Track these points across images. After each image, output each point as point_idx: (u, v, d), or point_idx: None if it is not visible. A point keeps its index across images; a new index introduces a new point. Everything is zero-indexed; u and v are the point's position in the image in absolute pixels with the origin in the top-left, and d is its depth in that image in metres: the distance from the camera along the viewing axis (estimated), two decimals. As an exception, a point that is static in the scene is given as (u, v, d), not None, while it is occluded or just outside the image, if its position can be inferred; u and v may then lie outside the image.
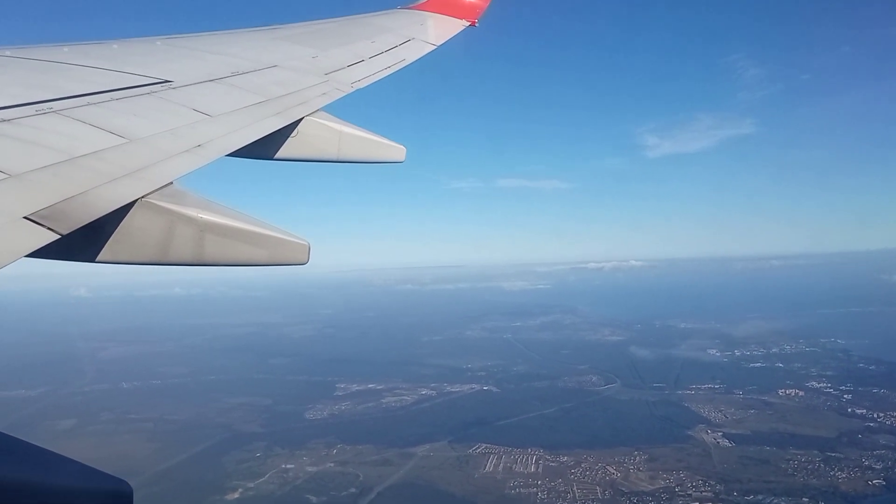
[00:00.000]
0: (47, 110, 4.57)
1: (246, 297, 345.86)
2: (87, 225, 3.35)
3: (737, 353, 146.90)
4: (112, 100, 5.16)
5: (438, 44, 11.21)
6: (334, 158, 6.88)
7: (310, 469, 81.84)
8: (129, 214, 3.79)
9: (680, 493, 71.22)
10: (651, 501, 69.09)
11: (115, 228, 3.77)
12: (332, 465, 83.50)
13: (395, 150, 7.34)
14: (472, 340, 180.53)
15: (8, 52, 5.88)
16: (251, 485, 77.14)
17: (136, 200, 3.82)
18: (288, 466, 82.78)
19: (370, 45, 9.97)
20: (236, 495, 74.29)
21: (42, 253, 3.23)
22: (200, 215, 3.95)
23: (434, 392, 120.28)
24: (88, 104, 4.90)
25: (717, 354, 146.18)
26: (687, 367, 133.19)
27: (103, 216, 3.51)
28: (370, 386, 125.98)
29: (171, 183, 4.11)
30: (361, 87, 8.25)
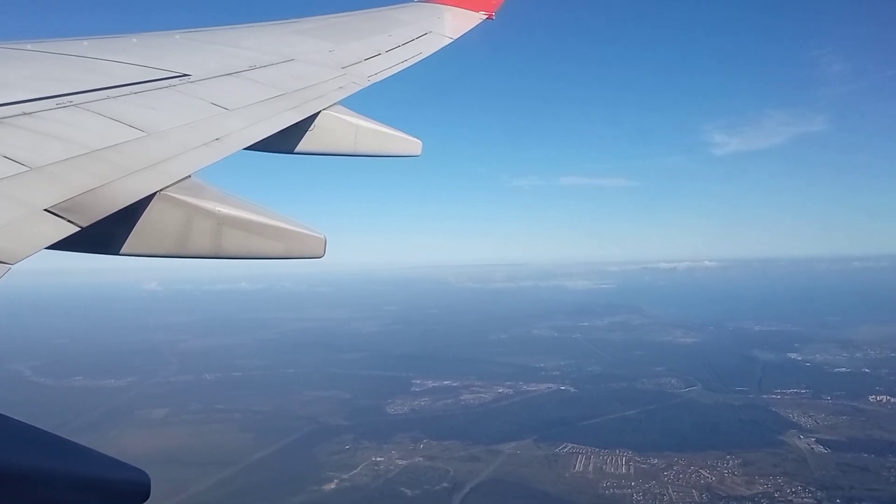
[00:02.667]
0: (67, 104, 4.64)
1: (311, 292, 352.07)
2: (106, 217, 3.42)
3: (818, 357, 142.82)
4: (131, 93, 5.24)
5: (455, 37, 11.14)
6: (351, 152, 6.92)
7: (400, 462, 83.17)
8: (147, 207, 3.85)
9: (780, 498, 69.85)
10: (751, 506, 67.99)
11: (134, 221, 3.84)
12: (420, 459, 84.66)
13: (411, 144, 7.35)
14: (540, 339, 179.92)
15: (29, 47, 5.99)
16: (345, 476, 78.83)
17: (155, 193, 3.88)
18: (378, 459, 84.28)
19: (387, 38, 9.95)
20: (333, 486, 76.05)
21: (62, 245, 3.32)
22: (218, 208, 4.01)
23: (511, 391, 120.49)
24: (108, 98, 4.97)
25: (799, 358, 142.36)
26: (768, 370, 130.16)
27: (122, 209, 3.57)
28: (445, 383, 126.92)
29: (190, 176, 4.16)
30: (378, 80, 8.27)
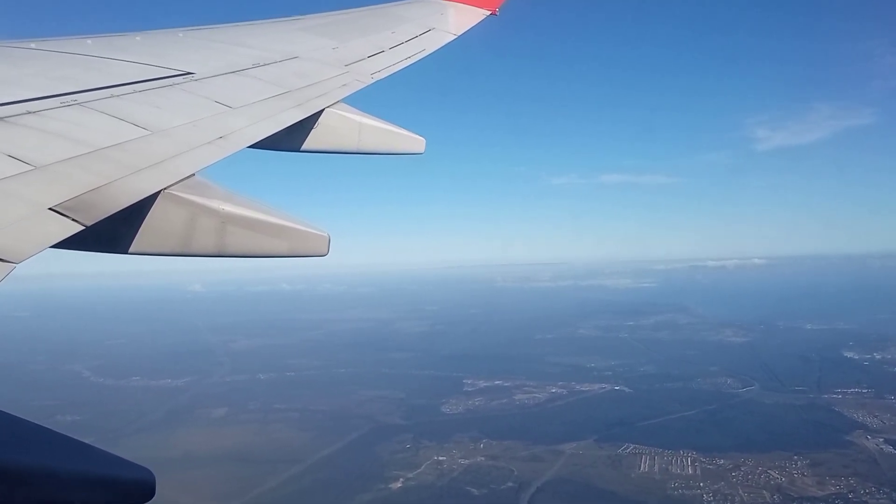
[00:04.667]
0: (72, 102, 4.64)
1: (351, 293, 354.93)
2: (111, 216, 3.42)
3: (876, 355, 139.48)
4: (135, 92, 5.23)
5: (459, 33, 11.01)
6: (354, 150, 6.88)
7: (462, 462, 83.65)
8: (152, 206, 3.85)
9: (854, 499, 68.80)
10: (827, 508, 67.03)
11: (139, 220, 3.84)
12: (482, 458, 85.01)
13: (414, 142, 7.30)
14: (587, 339, 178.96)
15: (33, 45, 6.00)
16: (410, 475, 79.57)
17: (159, 192, 3.88)
18: (440, 458, 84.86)
19: (390, 35, 9.87)
20: (399, 485, 76.82)
21: (67, 244, 3.33)
22: (222, 207, 4.02)
23: (564, 391, 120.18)
24: (112, 96, 4.97)
25: (856, 357, 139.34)
26: (826, 369, 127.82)
27: (127, 207, 3.57)
28: (497, 382, 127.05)
29: (194, 174, 4.17)
30: (381, 77, 8.20)
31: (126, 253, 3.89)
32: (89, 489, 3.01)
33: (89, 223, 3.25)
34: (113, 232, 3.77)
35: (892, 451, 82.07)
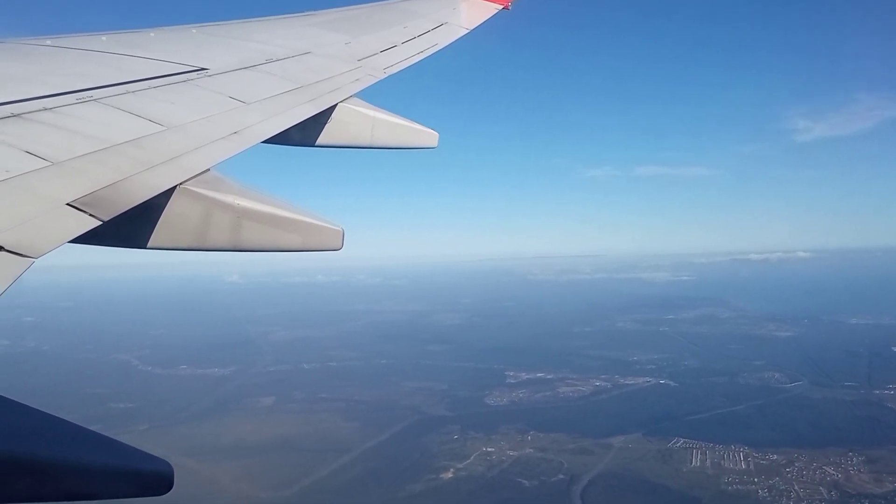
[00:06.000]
0: (87, 99, 4.65)
1: (386, 284, 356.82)
2: (127, 211, 3.43)
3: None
4: (149, 88, 5.24)
5: (471, 28, 10.96)
6: (367, 144, 6.84)
7: (511, 454, 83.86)
8: (168, 201, 3.87)
9: (915, 498, 67.56)
10: (887, 505, 65.94)
11: (155, 215, 3.86)
12: (531, 450, 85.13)
13: (427, 136, 7.23)
14: (626, 332, 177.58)
15: (48, 42, 5.99)
16: (460, 465, 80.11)
17: (175, 187, 3.89)
18: (489, 450, 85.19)
19: (402, 30, 9.82)
20: (450, 475, 77.41)
21: (85, 239, 3.32)
22: (237, 202, 4.02)
23: (608, 384, 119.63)
24: (127, 92, 4.98)
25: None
26: (875, 365, 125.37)
27: (143, 203, 3.58)
28: (539, 375, 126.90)
29: (209, 170, 4.18)
30: (394, 72, 8.15)
31: (143, 248, 3.94)
32: (109, 481, 3.01)
33: (106, 218, 3.28)
34: (130, 227, 3.79)
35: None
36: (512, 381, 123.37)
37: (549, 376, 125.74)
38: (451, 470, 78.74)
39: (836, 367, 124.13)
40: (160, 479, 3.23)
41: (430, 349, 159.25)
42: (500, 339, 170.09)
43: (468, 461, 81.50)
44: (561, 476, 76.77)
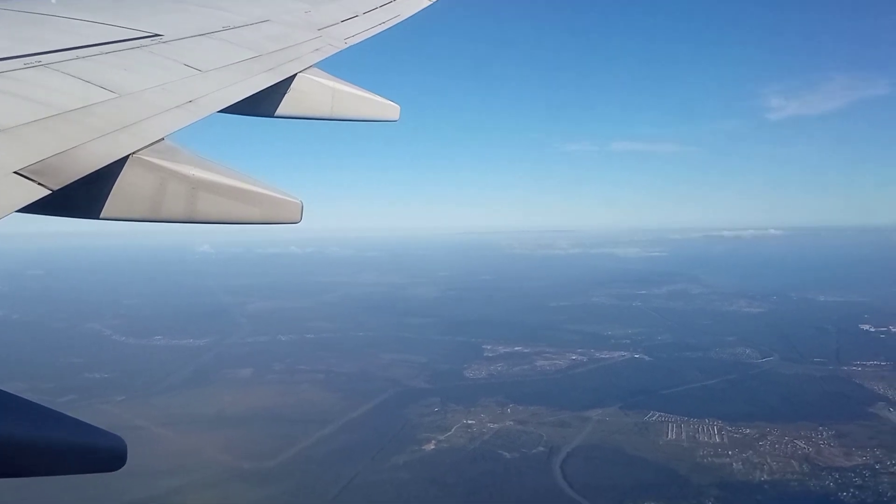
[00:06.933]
0: (36, 63, 4.49)
1: (360, 256, 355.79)
2: (78, 180, 3.34)
3: (892, 328, 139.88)
4: (101, 53, 5.04)
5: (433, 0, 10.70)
6: (328, 116, 6.75)
7: (492, 426, 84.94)
8: (120, 171, 3.77)
9: (881, 470, 69.91)
10: (855, 478, 68.14)
11: (107, 184, 3.75)
12: (511, 423, 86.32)
13: (389, 109, 7.13)
14: (601, 307, 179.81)
15: None
16: (442, 437, 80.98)
17: (128, 156, 3.80)
18: (469, 422, 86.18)
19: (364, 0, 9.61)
20: (432, 446, 78.24)
21: (34, 208, 3.26)
22: (193, 172, 3.93)
23: (584, 358, 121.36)
24: (77, 58, 4.79)
25: (872, 330, 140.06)
26: (843, 341, 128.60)
27: (95, 172, 3.49)
28: (517, 349, 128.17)
29: (163, 139, 4.10)
30: (355, 42, 8.06)
31: (95, 218, 3.83)
32: (59, 457, 2.97)
33: (56, 188, 3.19)
34: (81, 197, 3.67)
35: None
36: (490, 355, 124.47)
37: (526, 350, 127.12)
38: (433, 441, 79.59)
39: (805, 344, 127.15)
40: (112, 455, 3.24)
41: (408, 322, 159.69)
42: (477, 312, 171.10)
43: (449, 433, 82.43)
44: (541, 448, 78.04)
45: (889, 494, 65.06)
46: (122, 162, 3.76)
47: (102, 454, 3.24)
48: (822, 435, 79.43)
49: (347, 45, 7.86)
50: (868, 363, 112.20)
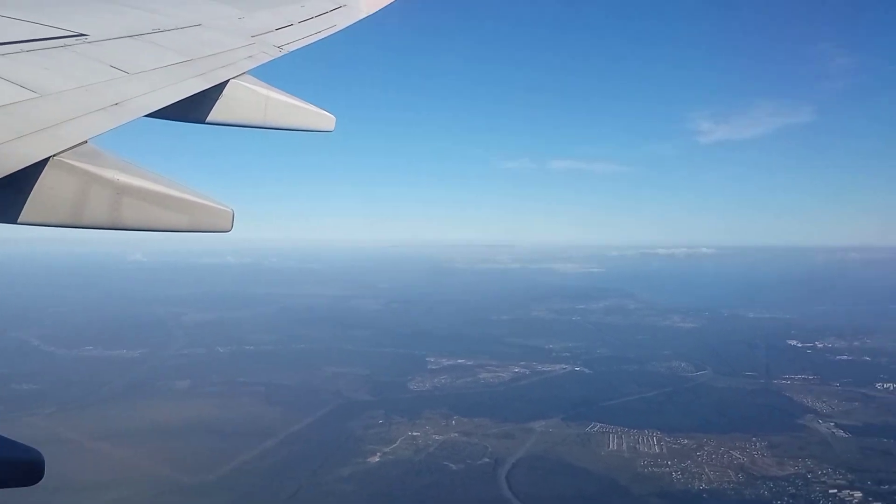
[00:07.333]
0: None
1: (301, 268, 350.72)
2: None
3: (818, 344, 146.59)
4: (22, 51, 4.86)
5: (372, 11, 10.74)
6: (260, 124, 6.62)
7: (436, 438, 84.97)
8: (40, 174, 3.61)
9: (813, 479, 72.93)
10: (788, 487, 70.85)
11: (26, 188, 3.59)
12: (455, 435, 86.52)
13: (323, 119, 7.05)
14: (541, 321, 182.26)
15: None
16: (387, 449, 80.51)
17: (48, 159, 3.62)
18: (414, 434, 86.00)
19: (299, 9, 9.53)
20: (377, 459, 77.65)
21: None
22: (117, 177, 3.77)
23: (526, 370, 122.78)
24: None
25: (799, 345, 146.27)
26: (772, 356, 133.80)
27: (12, 174, 3.35)
28: (459, 361, 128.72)
29: (86, 142, 3.93)
30: (290, 51, 7.99)
31: (13, 223, 3.65)
32: None
33: None
34: None
35: (843, 434, 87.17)
36: (433, 367, 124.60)
37: (469, 363, 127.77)
38: (378, 454, 79.02)
39: (736, 358, 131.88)
40: (30, 469, 3.09)
41: (350, 334, 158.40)
42: (419, 325, 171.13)
43: (394, 445, 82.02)
44: (486, 459, 78.47)
45: (821, 503, 67.90)
46: (41, 165, 3.56)
47: (18, 467, 3.07)
48: (755, 445, 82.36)
49: (282, 54, 7.72)
50: (796, 377, 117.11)
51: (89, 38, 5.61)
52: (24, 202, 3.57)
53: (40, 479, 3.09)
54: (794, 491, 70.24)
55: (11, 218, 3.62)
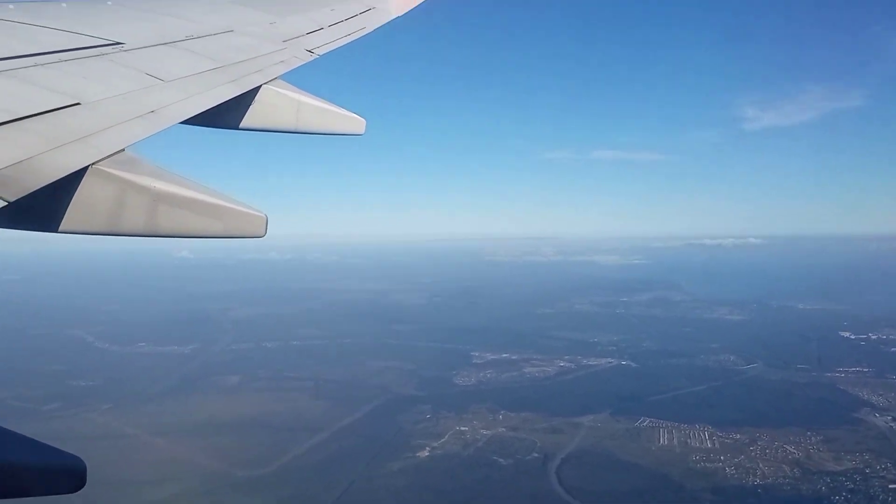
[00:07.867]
0: None
1: (343, 263, 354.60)
2: (35, 192, 3.23)
3: (872, 336, 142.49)
4: (60, 61, 4.90)
5: (401, 13, 10.70)
6: (292, 129, 6.67)
7: (485, 433, 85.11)
8: (79, 183, 3.65)
9: (871, 474, 71.17)
10: (846, 482, 69.27)
11: (65, 196, 3.63)
12: (503, 429, 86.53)
13: (354, 123, 7.08)
14: (585, 314, 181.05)
15: None
16: (435, 444, 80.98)
17: (87, 167, 3.67)
18: (462, 429, 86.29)
19: (329, 12, 9.51)
20: (426, 453, 78.17)
21: None
22: (154, 184, 3.81)
23: (572, 364, 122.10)
24: (35, 65, 4.67)
25: (852, 337, 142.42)
26: (824, 349, 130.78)
27: (52, 183, 3.36)
28: (504, 355, 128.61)
29: (124, 150, 3.98)
30: (320, 54, 7.97)
31: (54, 231, 3.72)
32: (15, 479, 2.85)
33: (11, 199, 3.07)
34: (38, 209, 3.59)
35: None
36: (478, 362, 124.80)
37: (514, 357, 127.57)
38: (427, 448, 79.55)
39: (787, 351, 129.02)
40: (71, 476, 3.11)
41: (396, 329, 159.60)
42: (463, 319, 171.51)
43: (443, 440, 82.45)
44: (535, 454, 78.36)
45: (881, 498, 66.25)
46: (80, 173, 3.61)
47: (60, 475, 3.08)
48: (810, 440, 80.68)
49: (313, 58, 7.75)
50: (850, 370, 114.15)
51: (125, 47, 5.71)
52: (65, 211, 3.65)
53: (82, 486, 3.12)
54: (852, 486, 68.62)
55: (52, 227, 3.69)
